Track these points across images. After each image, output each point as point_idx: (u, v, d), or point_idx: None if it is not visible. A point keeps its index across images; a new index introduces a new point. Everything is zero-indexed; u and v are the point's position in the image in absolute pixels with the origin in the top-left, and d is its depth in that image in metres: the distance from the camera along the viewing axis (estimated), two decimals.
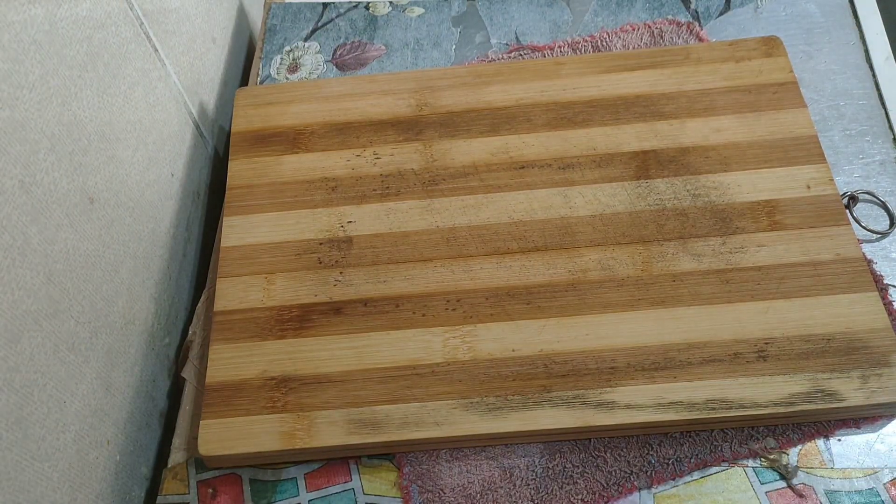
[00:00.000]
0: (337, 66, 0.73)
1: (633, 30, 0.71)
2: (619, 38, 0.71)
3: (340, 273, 0.58)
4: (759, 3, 0.73)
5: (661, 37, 0.71)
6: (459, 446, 0.53)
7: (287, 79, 0.72)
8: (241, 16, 0.80)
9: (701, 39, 0.70)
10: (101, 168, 0.51)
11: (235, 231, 0.61)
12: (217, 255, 0.62)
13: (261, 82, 0.72)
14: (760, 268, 0.56)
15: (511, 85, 0.66)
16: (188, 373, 0.58)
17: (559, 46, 0.71)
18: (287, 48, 0.74)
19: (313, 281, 0.58)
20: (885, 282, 0.57)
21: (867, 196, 0.61)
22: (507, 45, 0.72)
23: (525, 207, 0.60)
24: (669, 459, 0.52)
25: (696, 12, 0.72)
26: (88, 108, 0.50)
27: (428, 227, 0.60)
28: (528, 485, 0.51)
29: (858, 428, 0.52)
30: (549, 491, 0.51)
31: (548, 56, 0.71)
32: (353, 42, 0.74)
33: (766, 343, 0.53)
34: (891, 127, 0.64)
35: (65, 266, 0.47)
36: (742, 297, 0.55)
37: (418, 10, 0.75)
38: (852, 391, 0.51)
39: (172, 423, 0.57)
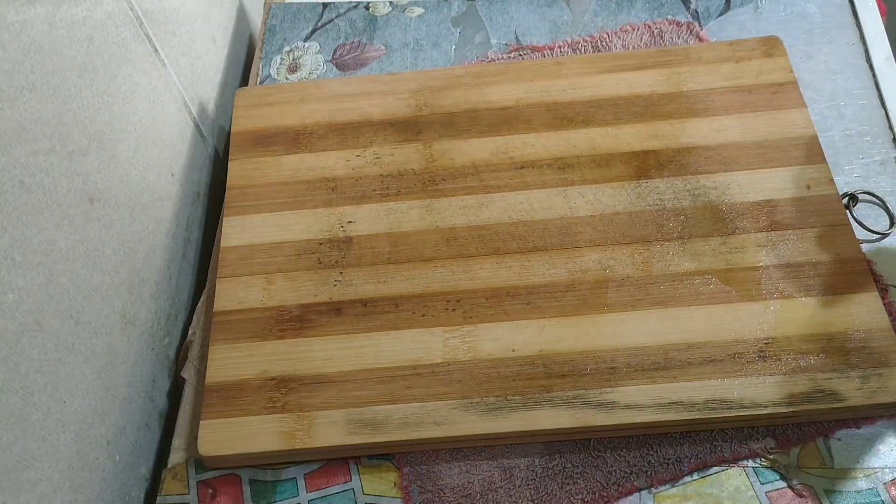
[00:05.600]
0: (337, 66, 0.73)
1: (633, 30, 0.71)
2: (619, 38, 0.71)
3: (340, 273, 0.58)
4: (759, 3, 0.73)
5: (661, 37, 0.71)
6: (459, 446, 0.53)
7: (287, 79, 0.72)
8: (241, 16, 0.80)
9: (701, 39, 0.70)
10: (101, 168, 0.51)
11: (235, 231, 0.61)
12: (217, 255, 0.62)
13: (261, 82, 0.72)
14: (760, 268, 0.56)
15: (511, 85, 0.66)
16: (188, 373, 0.58)
17: (559, 46, 0.71)
18: (287, 48, 0.74)
19: (313, 281, 0.58)
20: (885, 282, 0.57)
21: (867, 196, 0.61)
22: (506, 45, 0.72)
23: (525, 207, 0.60)
24: (669, 459, 0.52)
25: (696, 12, 0.72)
26: (88, 108, 0.50)
27: (428, 227, 0.60)
28: (528, 485, 0.51)
29: (858, 428, 0.52)
30: (549, 491, 0.51)
31: (548, 56, 0.71)
32: (352, 42, 0.74)
33: (766, 343, 0.53)
34: (891, 127, 0.64)
35: (65, 266, 0.47)
36: (742, 297, 0.55)
37: (418, 11, 0.75)
38: (852, 391, 0.51)
39: (172, 423, 0.57)
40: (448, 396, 0.52)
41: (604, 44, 0.71)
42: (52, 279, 0.45)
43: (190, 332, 0.60)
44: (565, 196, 0.60)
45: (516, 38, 0.73)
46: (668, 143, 0.62)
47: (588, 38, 0.72)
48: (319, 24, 0.76)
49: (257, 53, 0.74)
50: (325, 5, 0.77)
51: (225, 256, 0.60)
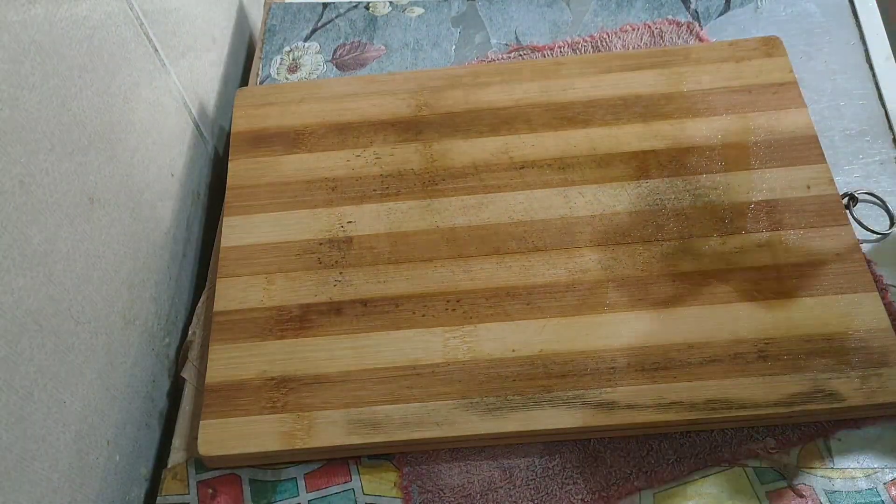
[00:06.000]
0: (337, 66, 0.73)
1: (633, 30, 0.71)
2: (619, 38, 0.71)
3: (340, 273, 0.58)
4: (759, 3, 0.73)
5: (661, 37, 0.71)
6: (459, 446, 0.53)
7: (287, 79, 0.72)
8: (241, 16, 0.80)
9: (701, 39, 0.70)
10: (101, 168, 0.51)
11: (235, 231, 0.61)
12: (217, 255, 0.62)
13: (261, 82, 0.72)
14: (760, 268, 0.56)
15: (511, 85, 0.66)
16: (188, 373, 0.58)
17: (559, 46, 0.71)
18: (287, 48, 0.74)
19: (313, 281, 0.58)
20: (885, 282, 0.57)
21: (867, 196, 0.61)
22: (507, 45, 0.72)
23: (525, 207, 0.60)
24: (669, 459, 0.52)
25: (696, 12, 0.72)
26: (88, 108, 0.50)
27: (428, 227, 0.60)
28: (528, 485, 0.51)
29: (858, 428, 0.52)
30: (549, 491, 0.51)
31: (548, 56, 0.71)
32: (353, 42, 0.74)
33: (766, 343, 0.53)
34: (891, 127, 0.64)
35: (65, 266, 0.47)
36: (742, 297, 0.55)
37: (418, 11, 0.75)
38: (852, 391, 0.51)
39: (172, 423, 0.57)
40: (448, 396, 0.52)
41: (604, 44, 0.71)
42: (52, 279, 0.45)
43: (190, 332, 0.60)
44: (565, 196, 0.60)
45: (516, 38, 0.73)
46: (668, 143, 0.62)
47: (588, 38, 0.72)
48: (319, 24, 0.76)
49: (257, 53, 0.74)
50: (325, 5, 0.77)
51: (225, 256, 0.60)
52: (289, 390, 0.53)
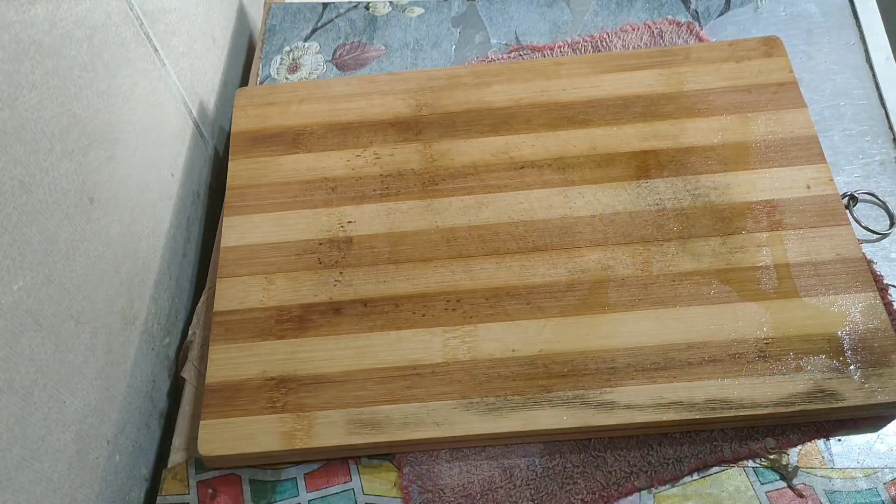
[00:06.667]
0: (337, 66, 0.73)
1: (633, 30, 0.71)
2: (619, 38, 0.71)
3: (340, 273, 0.58)
4: (759, 3, 0.73)
5: (661, 37, 0.71)
6: (459, 446, 0.53)
7: (287, 79, 0.72)
8: (241, 16, 0.80)
9: (701, 39, 0.70)
10: (101, 168, 0.51)
11: (235, 231, 0.61)
12: (217, 255, 0.62)
13: (261, 82, 0.72)
14: (760, 268, 0.56)
15: (511, 85, 0.66)
16: (188, 373, 0.58)
17: (559, 46, 0.71)
18: (287, 48, 0.74)
19: (313, 281, 0.58)
20: (885, 282, 0.57)
21: (867, 196, 0.61)
22: (507, 45, 0.72)
23: (525, 207, 0.60)
24: (669, 459, 0.52)
25: (696, 12, 0.72)
26: (88, 108, 0.50)
27: (428, 227, 0.60)
28: (528, 485, 0.51)
29: (858, 428, 0.52)
30: (549, 491, 0.51)
31: (548, 56, 0.71)
32: (353, 42, 0.74)
33: (766, 343, 0.53)
34: (891, 127, 0.64)
35: (65, 266, 0.47)
36: (742, 297, 0.55)
37: (418, 11, 0.75)
38: (852, 391, 0.51)
39: (172, 423, 0.57)
40: (448, 396, 0.52)
41: (604, 44, 0.71)
42: (52, 279, 0.45)
43: (190, 332, 0.60)
44: (565, 196, 0.60)
45: (516, 38, 0.73)
46: (668, 143, 0.62)
47: (588, 38, 0.72)
48: (319, 24, 0.76)
49: (257, 53, 0.74)
50: (325, 5, 0.77)
51: (225, 256, 0.60)
52: (289, 390, 0.53)
